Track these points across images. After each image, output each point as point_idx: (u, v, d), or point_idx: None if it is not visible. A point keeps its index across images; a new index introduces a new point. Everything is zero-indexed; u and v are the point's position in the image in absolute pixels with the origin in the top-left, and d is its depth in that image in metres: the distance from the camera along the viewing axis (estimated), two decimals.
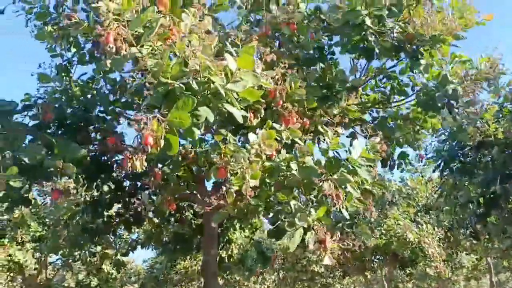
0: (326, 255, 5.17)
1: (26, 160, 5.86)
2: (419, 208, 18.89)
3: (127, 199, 10.20)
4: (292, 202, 5.53)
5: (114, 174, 9.41)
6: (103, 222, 10.20)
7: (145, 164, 4.54)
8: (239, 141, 6.44)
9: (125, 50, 4.24)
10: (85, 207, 9.95)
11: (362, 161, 6.02)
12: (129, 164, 4.46)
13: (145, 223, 11.49)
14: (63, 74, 7.30)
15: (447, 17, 7.66)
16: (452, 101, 8.25)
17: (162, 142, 4.28)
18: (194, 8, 5.52)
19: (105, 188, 9.55)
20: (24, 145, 6.10)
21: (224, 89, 4.41)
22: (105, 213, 10.12)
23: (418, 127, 9.39)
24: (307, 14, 7.54)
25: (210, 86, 4.42)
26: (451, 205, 11.71)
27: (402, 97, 9.36)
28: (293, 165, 6.07)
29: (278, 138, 6.08)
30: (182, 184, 7.31)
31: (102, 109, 8.12)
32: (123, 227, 10.77)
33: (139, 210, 10.32)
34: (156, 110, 4.85)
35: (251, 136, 5.52)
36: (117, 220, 10.45)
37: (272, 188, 5.90)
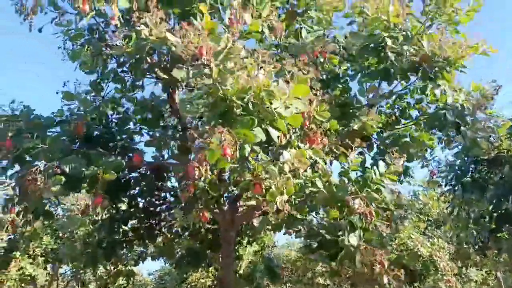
0: (385, 275, 5.41)
1: (67, 170, 6.12)
2: (430, 223, 19.08)
3: (141, 215, 10.48)
4: (342, 221, 5.77)
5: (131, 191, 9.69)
6: (118, 238, 10.39)
7: (210, 173, 4.79)
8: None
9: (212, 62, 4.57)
10: (102, 223, 10.15)
11: (385, 180, 6.33)
12: (197, 173, 4.69)
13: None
14: (96, 90, 7.58)
15: (458, 44, 8.07)
16: (459, 121, 8.62)
17: (237, 154, 4.53)
18: (230, 34, 5.87)
19: (122, 204, 9.84)
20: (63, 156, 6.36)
21: (275, 112, 4.71)
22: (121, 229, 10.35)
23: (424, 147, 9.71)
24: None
25: (263, 108, 4.70)
26: (462, 220, 11.92)
27: (409, 120, 9.70)
28: (319, 183, 6.35)
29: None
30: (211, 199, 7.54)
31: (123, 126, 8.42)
32: (137, 242, 10.98)
33: (154, 226, 10.58)
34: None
35: (285, 154, 5.79)
36: (132, 235, 10.66)
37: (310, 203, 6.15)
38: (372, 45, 7.97)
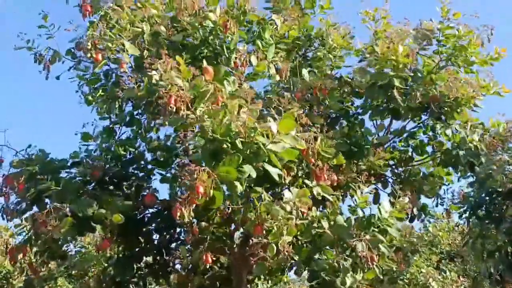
0: None
1: (76, 212, 6.32)
2: (443, 255, 18.46)
3: (155, 252, 10.56)
4: (341, 262, 5.73)
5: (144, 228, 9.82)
6: (132, 274, 10.46)
7: (192, 214, 4.90)
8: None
9: (183, 111, 4.77)
10: (117, 260, 10.27)
11: (391, 219, 6.26)
12: (179, 214, 4.81)
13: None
14: (108, 135, 7.91)
15: (469, 83, 8.09)
16: (472, 160, 8.52)
17: (211, 193, 4.63)
18: (235, 76, 6.10)
19: (136, 242, 9.96)
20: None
21: (266, 149, 4.83)
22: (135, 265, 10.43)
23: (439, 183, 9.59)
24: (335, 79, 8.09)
25: (253, 146, 4.83)
26: (477, 253, 11.57)
27: (423, 156, 9.61)
28: (324, 223, 6.34)
29: (310, 195, 6.36)
30: (216, 239, 7.60)
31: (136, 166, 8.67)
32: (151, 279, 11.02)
33: (167, 262, 10.63)
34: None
35: (287, 194, 5.84)
36: (146, 272, 10.72)
37: (310, 245, 6.13)
38: (379, 83, 8.09)
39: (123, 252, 10.18)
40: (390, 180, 9.47)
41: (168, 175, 8.92)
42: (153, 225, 10.03)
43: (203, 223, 7.15)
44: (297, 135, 5.72)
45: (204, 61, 6.22)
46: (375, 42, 8.34)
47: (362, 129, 8.83)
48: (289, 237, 5.63)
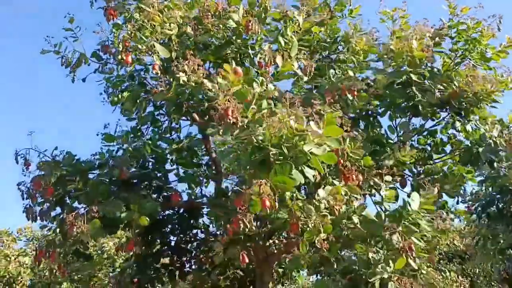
0: None
1: (105, 213, 6.34)
2: (441, 256, 18.53)
3: (173, 253, 10.58)
4: (370, 254, 5.77)
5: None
6: (150, 275, 10.48)
7: (254, 224, 4.94)
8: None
9: (238, 120, 4.86)
10: (135, 261, 10.28)
11: (422, 212, 6.31)
12: (241, 225, 4.86)
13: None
14: (136, 135, 7.94)
15: (488, 79, 8.15)
16: (492, 156, 8.57)
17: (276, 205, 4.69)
18: (262, 77, 6.13)
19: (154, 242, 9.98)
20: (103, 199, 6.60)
21: (309, 152, 4.85)
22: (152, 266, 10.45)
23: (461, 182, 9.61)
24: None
25: (297, 150, 4.85)
26: (487, 252, 11.65)
27: (442, 154, 9.67)
28: (355, 218, 6.39)
29: None
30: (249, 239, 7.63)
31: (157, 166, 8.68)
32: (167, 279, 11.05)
33: (184, 263, 10.66)
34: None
35: (321, 192, 5.88)
36: (163, 272, 10.74)
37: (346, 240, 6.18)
38: (398, 80, 8.15)
39: (143, 253, 10.23)
40: (409, 179, 9.52)
41: (190, 172, 8.93)
42: (169, 226, 10.10)
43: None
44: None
45: (233, 62, 6.25)
46: (392, 41, 8.39)
47: (379, 129, 8.90)
48: (324, 234, 5.66)
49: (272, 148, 4.76)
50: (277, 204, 4.81)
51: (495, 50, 8.60)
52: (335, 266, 6.56)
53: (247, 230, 4.99)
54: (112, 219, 6.51)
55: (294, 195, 6.15)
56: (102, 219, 6.54)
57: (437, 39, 8.59)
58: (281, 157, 4.80)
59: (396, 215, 6.12)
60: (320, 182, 6.79)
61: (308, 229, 5.69)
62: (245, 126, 4.94)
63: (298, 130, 4.78)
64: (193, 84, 5.97)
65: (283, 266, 10.93)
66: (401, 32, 8.47)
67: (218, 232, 9.26)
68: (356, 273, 5.99)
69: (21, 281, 17.40)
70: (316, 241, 5.59)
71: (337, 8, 9.07)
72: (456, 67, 8.60)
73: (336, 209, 6.02)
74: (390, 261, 5.84)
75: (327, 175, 6.68)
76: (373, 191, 7.84)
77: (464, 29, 8.60)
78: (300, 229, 5.68)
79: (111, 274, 16.22)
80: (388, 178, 7.27)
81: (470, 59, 8.62)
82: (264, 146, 4.80)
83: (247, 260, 6.49)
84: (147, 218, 6.66)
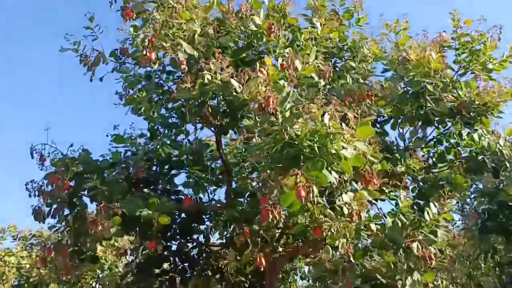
0: None
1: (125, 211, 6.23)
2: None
3: (174, 258, 10.44)
4: (398, 263, 5.77)
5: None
6: (152, 280, 10.31)
7: (283, 216, 4.89)
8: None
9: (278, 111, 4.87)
10: (137, 266, 10.11)
11: (440, 221, 6.38)
12: (270, 216, 4.81)
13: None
14: (153, 136, 7.85)
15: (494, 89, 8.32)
16: (496, 165, 8.73)
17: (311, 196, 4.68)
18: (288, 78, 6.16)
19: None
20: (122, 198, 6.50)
21: (339, 154, 4.86)
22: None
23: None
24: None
25: (327, 150, 4.85)
26: (488, 265, 11.77)
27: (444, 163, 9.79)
28: (373, 226, 6.42)
29: None
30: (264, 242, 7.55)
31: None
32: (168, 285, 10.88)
33: (186, 268, 10.52)
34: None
35: (345, 196, 5.88)
36: (164, 278, 10.58)
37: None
38: (411, 90, 8.26)
39: (142, 258, 10.06)
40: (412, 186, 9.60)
41: (195, 177, 8.86)
42: (171, 230, 9.97)
43: (254, 226, 7.10)
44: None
45: (258, 64, 6.25)
46: (398, 53, 8.53)
47: (384, 137, 9.00)
48: (348, 239, 5.65)
49: (305, 144, 4.75)
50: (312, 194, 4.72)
51: (496, 61, 8.80)
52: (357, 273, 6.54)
53: (275, 222, 4.91)
54: (131, 218, 6.42)
55: (316, 199, 6.15)
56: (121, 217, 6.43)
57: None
58: (312, 155, 4.79)
59: (416, 223, 6.16)
60: (337, 186, 6.82)
61: (330, 233, 5.66)
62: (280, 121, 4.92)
63: (335, 128, 4.79)
64: (220, 82, 5.95)
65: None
66: (403, 46, 8.62)
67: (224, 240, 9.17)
68: (379, 282, 5.97)
69: (7, 281, 17.00)
70: (339, 247, 5.56)
71: (346, 16, 9.22)
72: (459, 78, 8.78)
73: (358, 215, 6.04)
74: (415, 271, 5.85)
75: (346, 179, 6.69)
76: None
77: (468, 40, 8.79)
78: (323, 234, 5.66)
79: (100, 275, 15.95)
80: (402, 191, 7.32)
81: (472, 70, 8.80)
82: (298, 142, 4.78)
83: (264, 263, 6.41)
84: (168, 217, 6.56)
